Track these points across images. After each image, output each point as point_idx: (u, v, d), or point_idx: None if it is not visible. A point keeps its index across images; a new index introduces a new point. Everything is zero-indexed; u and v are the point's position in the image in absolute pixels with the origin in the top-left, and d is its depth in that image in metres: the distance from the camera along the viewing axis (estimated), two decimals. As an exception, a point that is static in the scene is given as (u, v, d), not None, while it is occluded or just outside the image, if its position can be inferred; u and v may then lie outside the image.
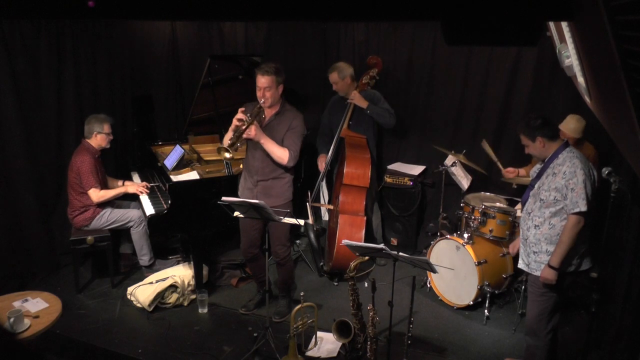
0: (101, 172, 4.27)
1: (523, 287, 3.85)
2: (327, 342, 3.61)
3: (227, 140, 3.44)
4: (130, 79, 5.21)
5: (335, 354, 3.52)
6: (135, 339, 3.70)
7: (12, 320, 2.90)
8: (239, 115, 3.41)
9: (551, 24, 2.72)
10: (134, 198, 4.50)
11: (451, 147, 4.54)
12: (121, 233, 4.53)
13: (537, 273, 2.95)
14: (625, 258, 3.16)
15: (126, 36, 5.09)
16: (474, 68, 4.63)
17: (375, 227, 4.85)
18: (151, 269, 4.39)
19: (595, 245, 3.00)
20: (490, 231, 3.92)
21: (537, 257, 2.96)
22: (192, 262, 4.16)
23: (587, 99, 2.35)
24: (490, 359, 3.53)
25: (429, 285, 4.31)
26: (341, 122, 4.47)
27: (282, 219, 3.22)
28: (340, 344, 3.55)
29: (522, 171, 4.02)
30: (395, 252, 2.90)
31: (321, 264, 4.58)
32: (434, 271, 3.04)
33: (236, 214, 3.36)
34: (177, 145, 4.51)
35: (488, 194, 4.34)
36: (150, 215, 4.01)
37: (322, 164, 4.60)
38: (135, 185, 4.45)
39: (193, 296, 4.14)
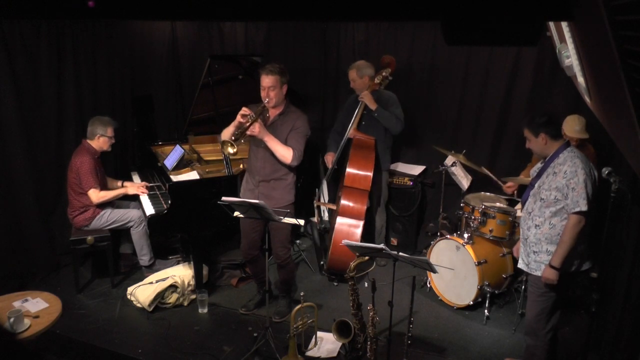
0: (101, 173, 4.27)
1: (523, 287, 3.85)
2: (327, 342, 3.61)
3: (228, 134, 3.42)
4: (130, 79, 5.21)
5: (335, 354, 3.52)
6: (135, 339, 3.70)
7: (12, 320, 2.90)
8: (244, 110, 3.40)
9: (551, 24, 2.72)
10: (134, 198, 4.50)
11: (451, 147, 4.54)
12: (121, 233, 4.53)
13: (537, 273, 2.94)
14: (625, 258, 3.15)
15: (126, 36, 5.10)
16: (474, 68, 4.63)
17: (379, 228, 4.81)
18: (151, 269, 4.39)
19: (595, 245, 3.00)
20: (490, 231, 3.92)
21: (537, 257, 2.95)
22: (192, 262, 4.16)
23: (587, 99, 2.36)
24: (490, 359, 3.54)
25: (429, 285, 4.31)
26: (350, 122, 4.40)
27: (282, 219, 3.21)
28: (340, 344, 3.55)
29: (520, 178, 4.02)
30: (395, 252, 2.89)
31: (322, 262, 4.59)
32: (434, 271, 3.04)
33: (236, 214, 3.36)
34: (177, 145, 4.51)
35: (488, 194, 4.34)
36: (150, 215, 4.01)
37: (329, 162, 4.57)
38: (135, 186, 4.45)
39: (193, 296, 4.14)
